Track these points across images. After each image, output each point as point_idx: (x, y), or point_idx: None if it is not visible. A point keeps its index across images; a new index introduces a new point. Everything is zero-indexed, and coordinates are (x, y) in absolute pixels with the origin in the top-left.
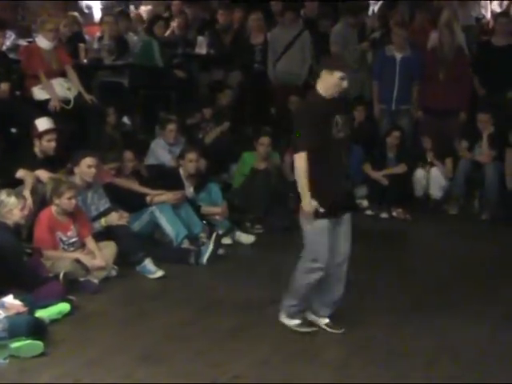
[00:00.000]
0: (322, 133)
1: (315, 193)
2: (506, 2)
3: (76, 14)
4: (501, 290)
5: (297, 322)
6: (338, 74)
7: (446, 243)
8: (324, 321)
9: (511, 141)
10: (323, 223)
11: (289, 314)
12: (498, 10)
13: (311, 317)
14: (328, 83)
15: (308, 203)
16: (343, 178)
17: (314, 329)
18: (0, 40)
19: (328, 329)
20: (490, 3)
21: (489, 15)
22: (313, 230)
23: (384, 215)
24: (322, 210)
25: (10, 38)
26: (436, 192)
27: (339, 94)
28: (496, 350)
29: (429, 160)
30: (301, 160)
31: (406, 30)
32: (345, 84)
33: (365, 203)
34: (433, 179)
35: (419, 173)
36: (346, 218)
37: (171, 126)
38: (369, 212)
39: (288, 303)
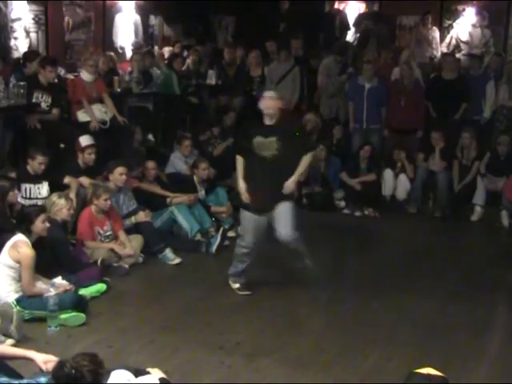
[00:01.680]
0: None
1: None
2: (451, 45)
3: (112, 53)
4: (449, 273)
5: (236, 285)
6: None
7: (407, 235)
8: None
9: (457, 154)
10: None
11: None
12: (445, 51)
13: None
14: None
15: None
16: (266, 187)
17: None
18: (52, 74)
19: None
20: (440, 45)
21: (438, 55)
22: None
23: (358, 214)
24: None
25: (60, 73)
26: (401, 194)
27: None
28: (445, 321)
29: (398, 165)
30: (237, 161)
31: (374, 66)
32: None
33: (342, 204)
34: (399, 183)
35: (388, 172)
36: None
37: (186, 142)
38: (345, 211)
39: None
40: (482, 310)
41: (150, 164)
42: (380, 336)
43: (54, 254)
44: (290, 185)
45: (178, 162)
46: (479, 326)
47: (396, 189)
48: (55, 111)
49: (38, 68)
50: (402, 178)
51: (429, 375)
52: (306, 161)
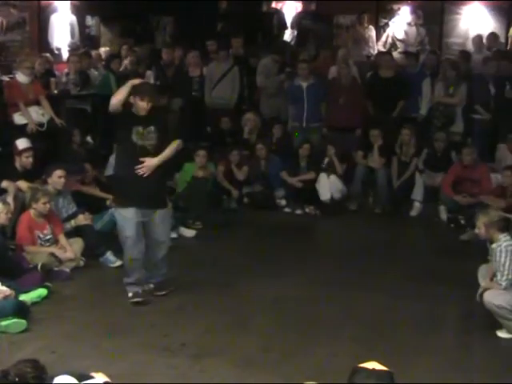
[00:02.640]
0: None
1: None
2: (388, 44)
3: (48, 54)
4: (391, 268)
5: (129, 294)
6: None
7: (348, 232)
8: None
9: (396, 150)
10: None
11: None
12: (382, 49)
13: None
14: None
15: None
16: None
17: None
18: None
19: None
20: (377, 44)
21: (375, 53)
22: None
23: (298, 212)
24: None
25: None
26: (336, 194)
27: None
28: (390, 316)
29: (326, 159)
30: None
31: (309, 64)
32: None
33: (283, 202)
34: (332, 185)
35: (322, 177)
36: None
37: None
38: (286, 209)
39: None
40: (426, 304)
41: (86, 166)
42: (325, 333)
43: None
44: (151, 162)
45: None
46: (423, 320)
47: (331, 190)
48: None
49: None
50: (333, 178)
51: (374, 370)
52: (173, 146)
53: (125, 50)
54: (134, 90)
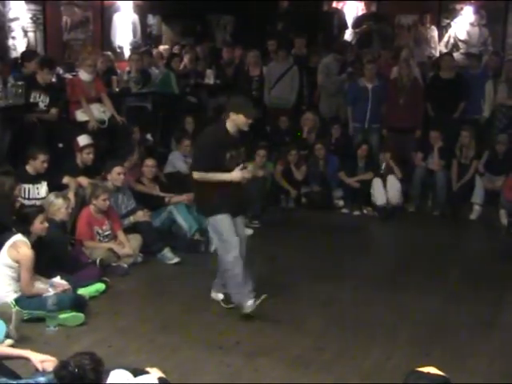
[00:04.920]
0: (216, 161)
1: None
2: (450, 44)
3: (110, 53)
4: (449, 272)
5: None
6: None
7: (406, 234)
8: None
9: (456, 153)
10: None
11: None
12: (444, 50)
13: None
14: (234, 122)
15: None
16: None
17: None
18: (50, 76)
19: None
20: (439, 45)
21: (437, 54)
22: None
23: (356, 213)
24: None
25: (59, 72)
26: (394, 199)
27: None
28: (445, 320)
29: (383, 167)
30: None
31: (375, 65)
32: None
33: (341, 203)
34: (390, 186)
35: (376, 181)
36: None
37: (186, 142)
38: (344, 210)
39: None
40: (483, 309)
41: (149, 162)
42: (380, 335)
43: (53, 253)
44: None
45: (177, 162)
46: (479, 325)
47: (388, 193)
48: (54, 111)
49: (36, 68)
50: (391, 179)
51: (428, 374)
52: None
53: (177, 50)
54: (238, 107)
